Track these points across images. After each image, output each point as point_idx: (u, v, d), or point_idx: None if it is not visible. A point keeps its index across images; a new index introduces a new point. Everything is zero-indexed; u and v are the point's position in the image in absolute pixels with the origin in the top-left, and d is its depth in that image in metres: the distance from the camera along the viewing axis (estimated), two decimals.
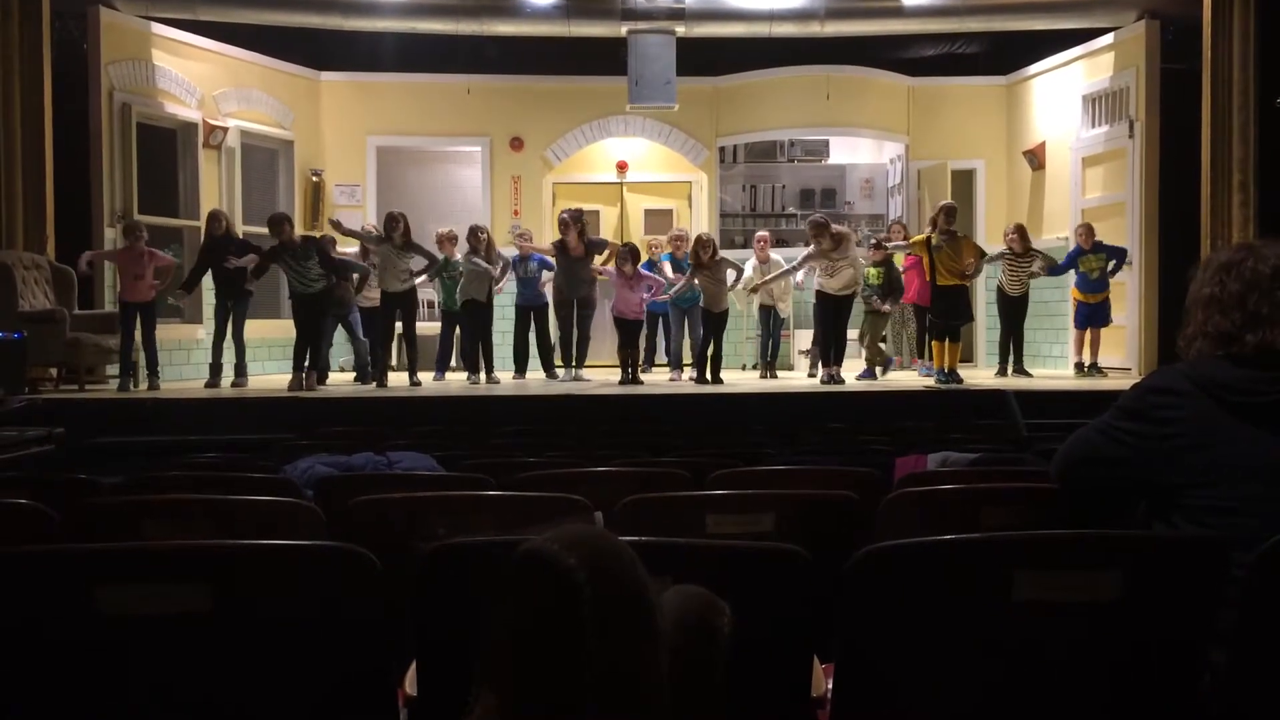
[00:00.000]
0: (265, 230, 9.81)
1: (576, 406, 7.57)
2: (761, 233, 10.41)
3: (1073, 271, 9.35)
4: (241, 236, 9.22)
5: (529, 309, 9.50)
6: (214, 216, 8.73)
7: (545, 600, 0.82)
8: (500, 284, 9.40)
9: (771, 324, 9.93)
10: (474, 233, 9.12)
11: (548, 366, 9.53)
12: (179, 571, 1.63)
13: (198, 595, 1.59)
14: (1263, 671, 1.71)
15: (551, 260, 9.29)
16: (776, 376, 9.74)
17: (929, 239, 8.54)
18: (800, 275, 9.35)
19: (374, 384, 8.83)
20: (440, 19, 10.36)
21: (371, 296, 9.28)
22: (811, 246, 8.71)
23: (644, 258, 9.68)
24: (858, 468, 3.15)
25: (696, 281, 8.89)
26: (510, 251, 9.75)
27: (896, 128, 11.70)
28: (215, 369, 8.66)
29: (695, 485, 2.99)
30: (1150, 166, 9.59)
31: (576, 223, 9.03)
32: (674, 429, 5.90)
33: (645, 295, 9.09)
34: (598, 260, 9.46)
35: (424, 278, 9.17)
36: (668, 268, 9.51)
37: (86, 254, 8.44)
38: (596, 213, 11.62)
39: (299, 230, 9.46)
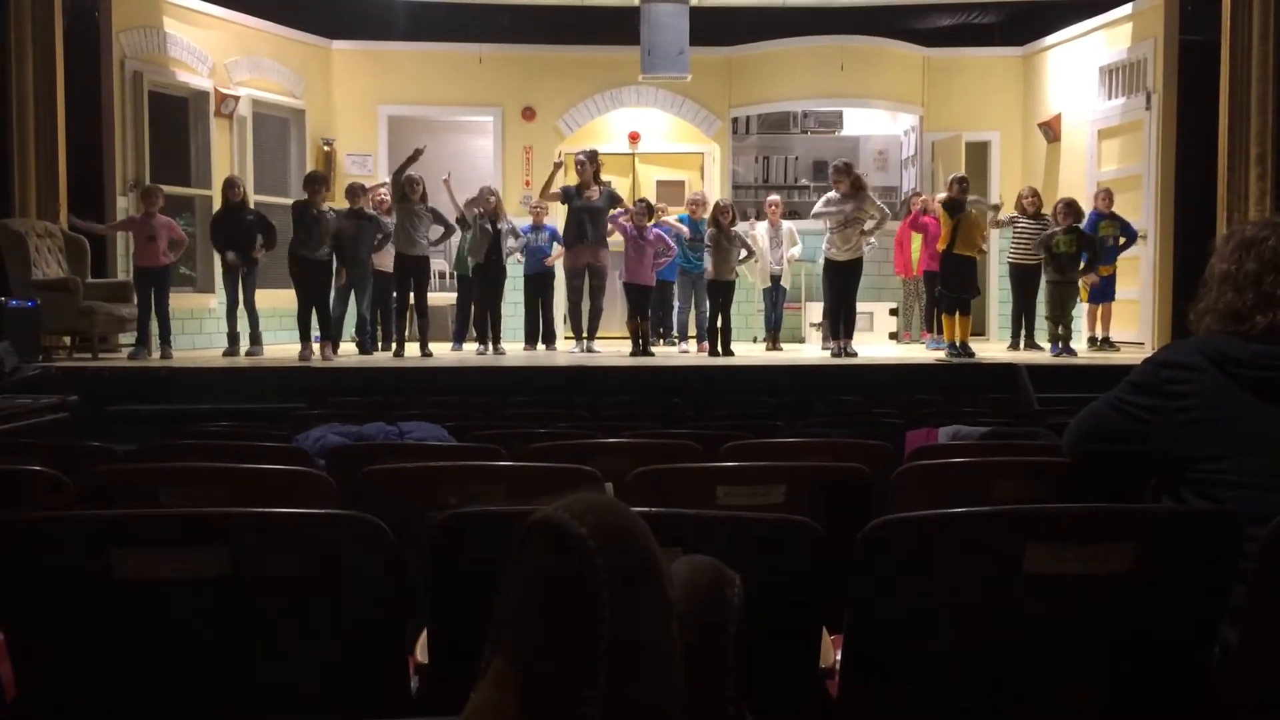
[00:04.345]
0: (277, 200, 9.86)
1: (588, 378, 7.57)
2: (773, 196, 10.31)
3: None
4: (254, 207, 9.22)
5: (539, 277, 9.51)
6: (230, 183, 8.74)
7: (556, 568, 0.82)
8: (515, 251, 9.40)
9: (776, 296, 9.92)
10: (488, 195, 9.11)
11: (548, 337, 9.54)
12: (197, 538, 1.64)
13: (216, 562, 1.60)
14: (1273, 647, 1.71)
15: (560, 232, 9.27)
16: (781, 348, 9.74)
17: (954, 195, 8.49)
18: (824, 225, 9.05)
19: (390, 352, 8.90)
20: None
21: (379, 264, 9.29)
22: (831, 193, 8.62)
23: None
24: (869, 440, 3.15)
25: (706, 250, 8.87)
26: (522, 221, 9.75)
27: (911, 99, 11.61)
28: (233, 338, 8.70)
29: (706, 457, 2.99)
30: (1167, 139, 9.50)
31: (593, 162, 8.94)
32: (685, 400, 5.91)
33: (662, 258, 9.02)
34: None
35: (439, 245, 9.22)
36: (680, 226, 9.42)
37: (100, 226, 8.55)
38: (609, 183, 11.59)
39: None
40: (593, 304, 9.17)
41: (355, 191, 8.84)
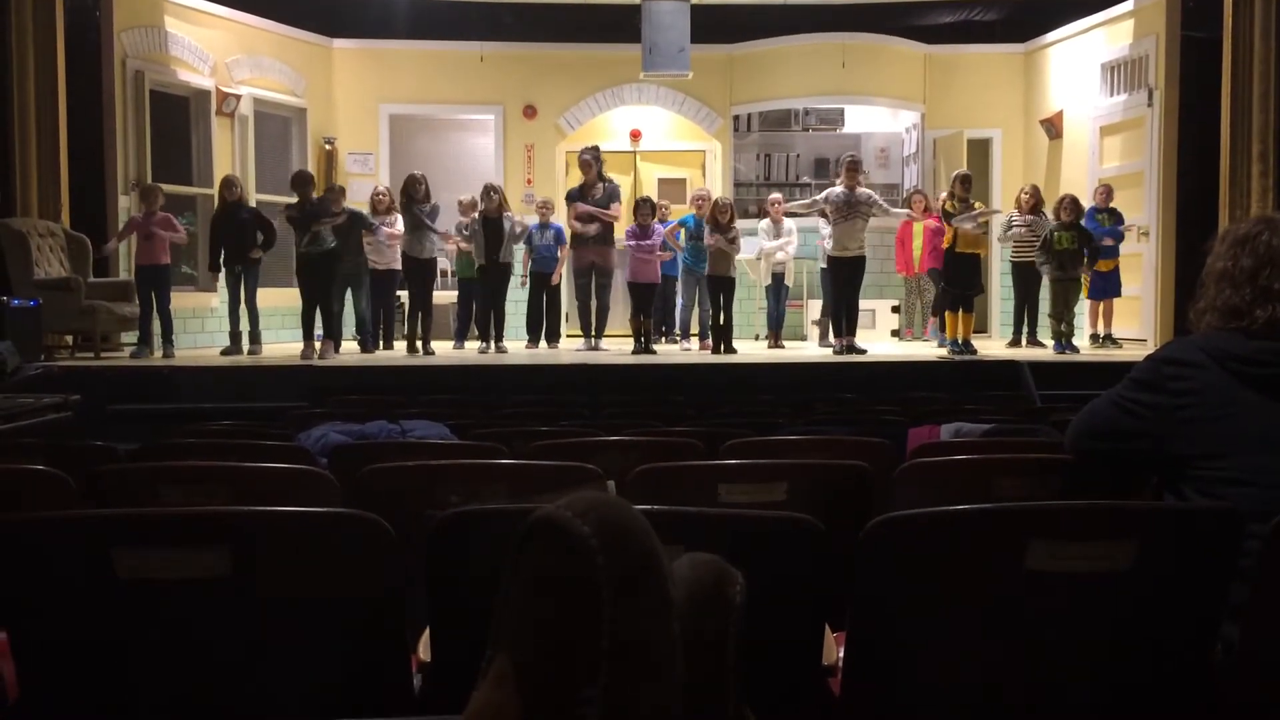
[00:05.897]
0: (278, 199, 9.84)
1: (589, 375, 7.57)
2: (774, 195, 10.23)
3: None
4: (254, 205, 9.21)
5: (546, 275, 9.50)
6: (228, 183, 8.75)
7: (558, 567, 0.82)
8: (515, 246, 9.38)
9: (779, 292, 9.91)
10: (489, 192, 9.09)
11: (552, 335, 9.53)
12: (199, 537, 1.64)
13: (218, 561, 1.60)
14: (1275, 645, 1.71)
15: (566, 232, 9.26)
16: (783, 346, 9.73)
17: (947, 208, 8.52)
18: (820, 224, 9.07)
19: (391, 350, 8.93)
20: None
21: (378, 261, 9.28)
22: (834, 188, 8.61)
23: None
24: (871, 438, 3.15)
25: (706, 246, 8.87)
26: (529, 219, 9.74)
27: (912, 96, 11.60)
28: (234, 336, 8.71)
29: (708, 454, 2.99)
30: (1169, 135, 9.48)
31: (597, 161, 8.90)
32: (687, 398, 5.91)
33: (660, 248, 9.03)
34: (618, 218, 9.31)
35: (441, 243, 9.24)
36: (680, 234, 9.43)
37: (110, 244, 8.62)
38: (611, 180, 11.59)
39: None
40: (599, 302, 9.16)
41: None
